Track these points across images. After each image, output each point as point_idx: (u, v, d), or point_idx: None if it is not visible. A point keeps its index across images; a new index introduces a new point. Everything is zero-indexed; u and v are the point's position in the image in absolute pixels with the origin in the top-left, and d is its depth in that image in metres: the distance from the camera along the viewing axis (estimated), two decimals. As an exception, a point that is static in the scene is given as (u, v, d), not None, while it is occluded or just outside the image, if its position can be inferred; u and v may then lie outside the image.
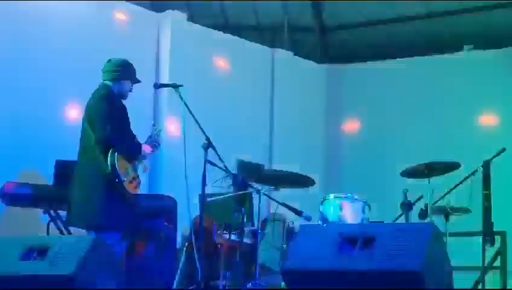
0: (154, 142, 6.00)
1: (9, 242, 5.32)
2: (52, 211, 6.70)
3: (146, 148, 5.91)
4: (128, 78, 5.91)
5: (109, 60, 5.93)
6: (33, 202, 6.61)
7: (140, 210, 6.09)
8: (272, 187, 6.45)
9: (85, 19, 8.09)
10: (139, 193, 5.81)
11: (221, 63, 9.30)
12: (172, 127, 8.42)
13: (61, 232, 6.65)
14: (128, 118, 5.90)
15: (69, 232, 6.68)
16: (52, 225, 6.80)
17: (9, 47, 7.43)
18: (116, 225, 5.64)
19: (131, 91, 5.95)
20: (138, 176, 5.82)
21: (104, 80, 5.88)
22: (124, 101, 5.91)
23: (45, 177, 7.14)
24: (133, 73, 5.95)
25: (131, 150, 5.78)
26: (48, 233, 6.63)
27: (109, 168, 5.57)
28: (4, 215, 7.02)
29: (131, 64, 5.96)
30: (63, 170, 6.74)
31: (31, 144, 7.41)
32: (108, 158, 5.58)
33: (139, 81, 5.99)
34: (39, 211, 6.83)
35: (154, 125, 6.18)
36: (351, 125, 10.12)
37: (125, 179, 5.64)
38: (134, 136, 5.94)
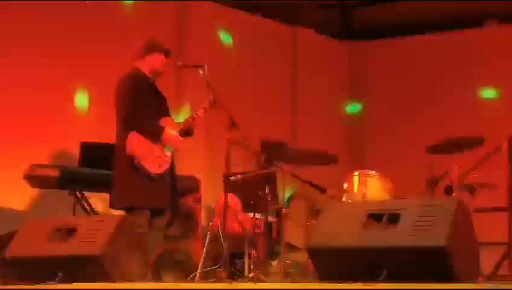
0: (187, 129, 5.82)
1: (37, 223, 5.39)
2: (77, 193, 6.74)
3: (168, 136, 5.65)
4: (155, 51, 5.77)
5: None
6: (59, 184, 6.64)
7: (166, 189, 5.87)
8: (296, 165, 6.44)
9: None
10: (161, 172, 5.65)
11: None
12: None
13: (88, 213, 6.70)
14: (155, 97, 5.79)
15: (95, 213, 6.73)
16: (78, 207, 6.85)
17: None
18: (138, 204, 5.59)
19: (165, 65, 5.78)
20: (163, 156, 5.70)
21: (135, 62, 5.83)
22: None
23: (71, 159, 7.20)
24: (157, 45, 5.80)
25: (150, 132, 5.63)
26: (74, 214, 6.68)
27: (127, 147, 5.57)
28: (31, 197, 7.08)
29: (153, 39, 5.85)
30: (88, 152, 6.78)
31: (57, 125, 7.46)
32: (128, 137, 5.58)
33: (168, 51, 5.81)
34: (65, 193, 6.87)
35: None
36: (374, 102, 10.07)
37: (144, 158, 5.58)
38: (161, 117, 5.77)
